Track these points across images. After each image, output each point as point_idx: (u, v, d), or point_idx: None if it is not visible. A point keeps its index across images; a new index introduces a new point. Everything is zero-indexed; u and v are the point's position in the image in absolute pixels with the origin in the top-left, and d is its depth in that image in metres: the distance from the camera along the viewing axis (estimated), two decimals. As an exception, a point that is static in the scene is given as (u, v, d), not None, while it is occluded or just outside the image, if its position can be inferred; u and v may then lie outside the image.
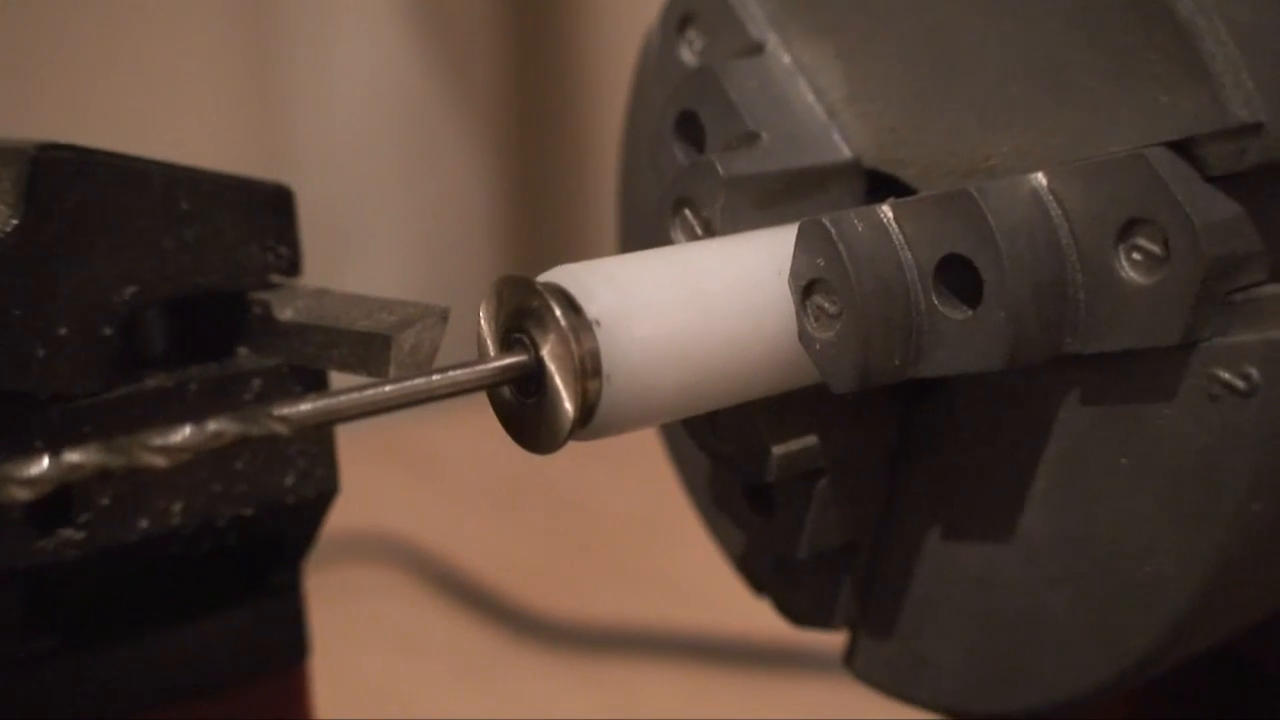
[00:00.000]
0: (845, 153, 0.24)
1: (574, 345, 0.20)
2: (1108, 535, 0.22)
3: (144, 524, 0.23)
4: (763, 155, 0.23)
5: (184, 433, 0.18)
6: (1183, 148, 0.20)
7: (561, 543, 0.63)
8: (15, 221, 0.22)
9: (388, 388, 0.20)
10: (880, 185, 0.24)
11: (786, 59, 0.25)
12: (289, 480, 0.25)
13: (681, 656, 0.51)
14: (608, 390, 0.20)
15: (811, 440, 0.23)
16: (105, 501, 0.23)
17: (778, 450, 0.23)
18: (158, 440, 0.18)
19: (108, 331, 0.23)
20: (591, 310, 0.20)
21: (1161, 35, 0.20)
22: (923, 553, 0.24)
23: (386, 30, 0.82)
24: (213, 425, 0.19)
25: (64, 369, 0.22)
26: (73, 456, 0.18)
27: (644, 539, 0.60)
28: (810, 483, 0.24)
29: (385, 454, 0.68)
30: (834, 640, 0.26)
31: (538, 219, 0.92)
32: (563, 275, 0.21)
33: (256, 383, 0.24)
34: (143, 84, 0.81)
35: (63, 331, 0.22)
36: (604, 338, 0.20)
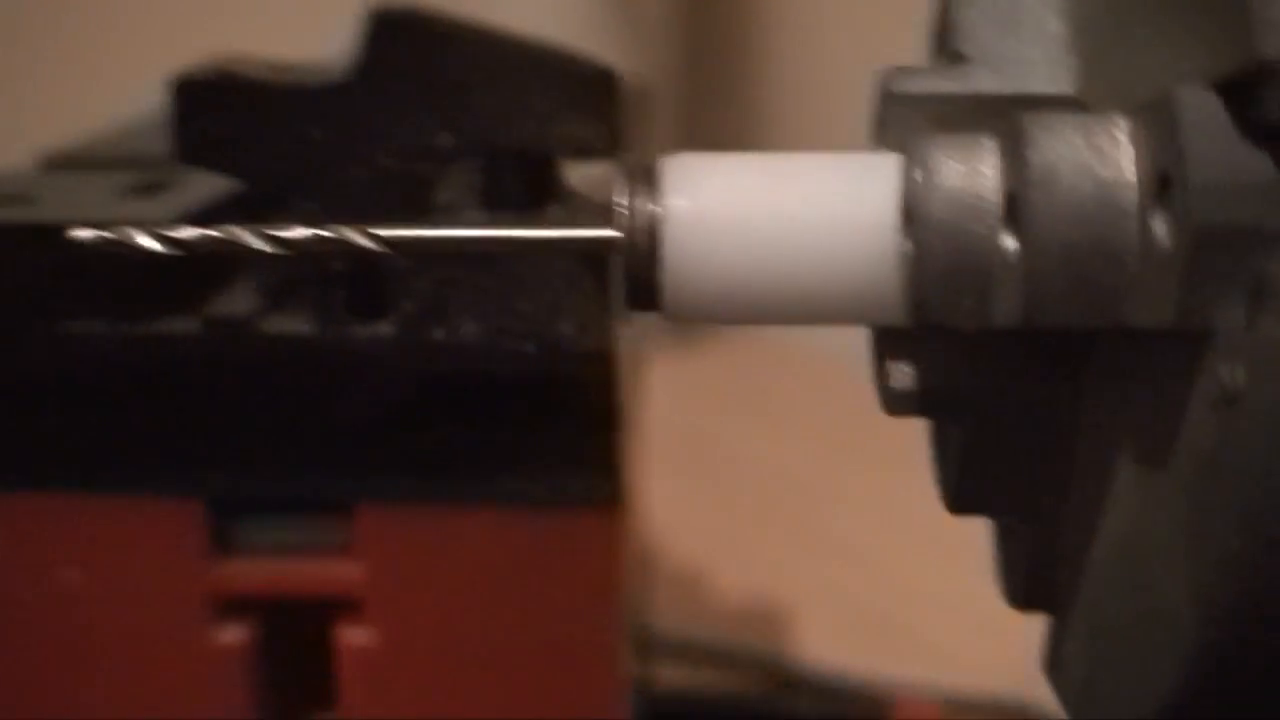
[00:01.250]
0: (1064, 85, 0.22)
1: (637, 227, 0.21)
2: (1151, 551, 0.19)
3: (441, 334, 0.28)
4: (954, 76, 0.22)
5: (302, 231, 0.22)
6: (1246, 92, 0.16)
7: (732, 502, 0.59)
8: (347, 73, 0.27)
9: (483, 231, 0.22)
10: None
11: (1052, -19, 0.23)
12: (566, 329, 0.28)
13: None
14: (666, 277, 0.21)
15: (941, 379, 0.22)
16: (410, 309, 0.28)
17: (896, 385, 0.22)
18: (279, 232, 0.22)
19: (425, 170, 0.27)
20: (666, 196, 0.21)
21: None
22: (1063, 540, 0.22)
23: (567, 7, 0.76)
24: (328, 232, 0.22)
25: (382, 194, 0.27)
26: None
27: (813, 498, 0.57)
28: (967, 427, 0.22)
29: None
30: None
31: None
32: (666, 161, 0.22)
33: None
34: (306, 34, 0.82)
35: (383, 162, 0.27)
36: (668, 225, 0.21)
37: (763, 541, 0.58)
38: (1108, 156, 0.18)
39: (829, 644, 0.49)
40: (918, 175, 0.20)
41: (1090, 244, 0.18)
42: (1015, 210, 0.19)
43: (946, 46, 0.23)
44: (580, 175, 0.27)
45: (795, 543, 0.57)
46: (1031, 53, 0.22)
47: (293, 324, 0.28)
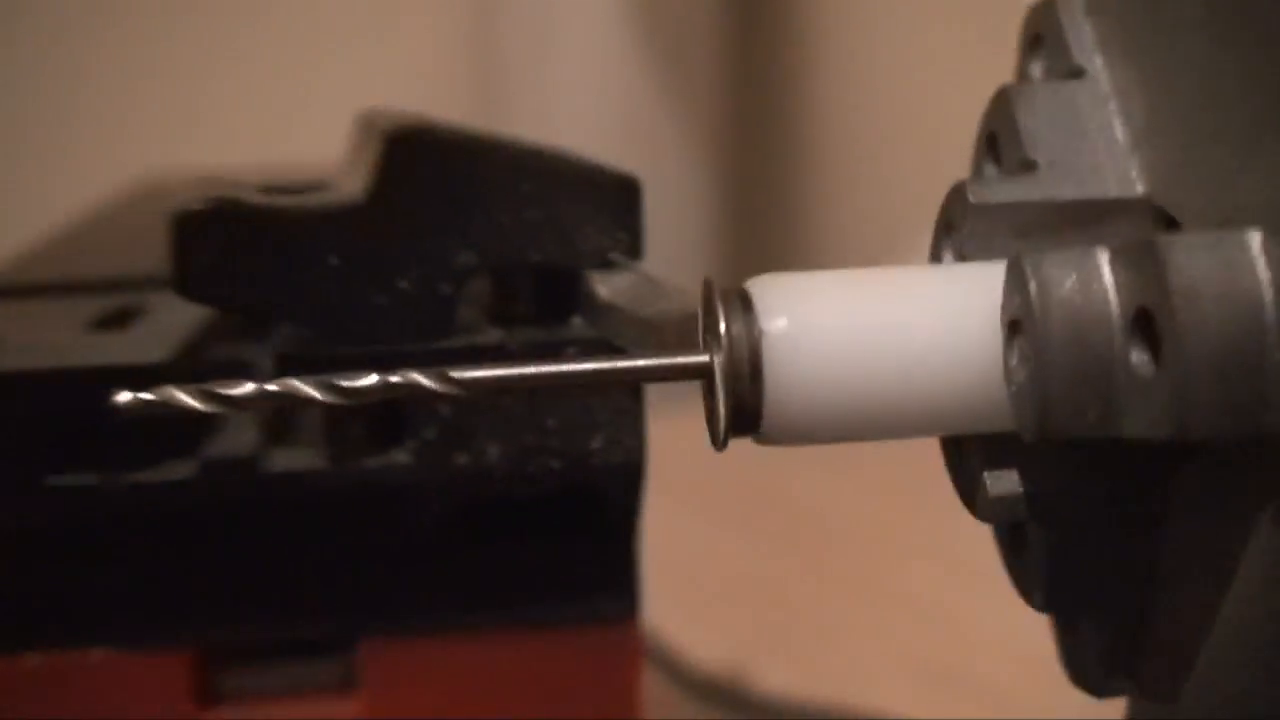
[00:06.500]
0: (1136, 188, 0.22)
1: (737, 352, 0.21)
2: (1238, 646, 0.19)
3: (463, 459, 0.27)
4: (1029, 184, 0.22)
5: (369, 379, 0.21)
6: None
7: (792, 553, 0.60)
8: (366, 196, 0.26)
9: (569, 366, 0.22)
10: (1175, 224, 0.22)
11: (1105, 85, 0.23)
12: (596, 443, 0.27)
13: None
14: (768, 400, 0.21)
15: (1040, 487, 0.22)
16: (431, 434, 0.27)
17: (993, 492, 0.22)
18: (344, 382, 0.21)
19: (445, 290, 0.26)
20: (764, 320, 0.21)
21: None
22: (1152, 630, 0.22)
23: (610, 38, 0.79)
24: (396, 378, 0.21)
25: (401, 318, 0.26)
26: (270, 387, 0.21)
27: (876, 550, 0.57)
28: (1053, 530, 0.23)
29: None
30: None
31: (757, 227, 0.87)
32: (756, 283, 0.21)
33: (571, 351, 0.27)
34: (364, 85, 0.84)
35: (403, 285, 0.26)
36: (769, 348, 0.21)
37: (824, 590, 0.57)
38: (1242, 272, 0.18)
39: (894, 696, 0.48)
40: (1032, 288, 0.20)
41: (1235, 358, 0.18)
42: (1149, 326, 0.19)
43: (1012, 153, 0.23)
44: (609, 286, 0.27)
45: (857, 592, 0.56)
46: (1098, 157, 0.23)
47: (301, 460, 0.27)
